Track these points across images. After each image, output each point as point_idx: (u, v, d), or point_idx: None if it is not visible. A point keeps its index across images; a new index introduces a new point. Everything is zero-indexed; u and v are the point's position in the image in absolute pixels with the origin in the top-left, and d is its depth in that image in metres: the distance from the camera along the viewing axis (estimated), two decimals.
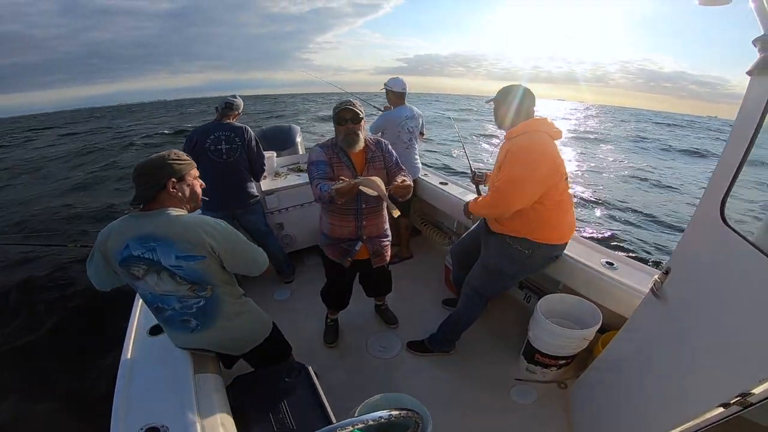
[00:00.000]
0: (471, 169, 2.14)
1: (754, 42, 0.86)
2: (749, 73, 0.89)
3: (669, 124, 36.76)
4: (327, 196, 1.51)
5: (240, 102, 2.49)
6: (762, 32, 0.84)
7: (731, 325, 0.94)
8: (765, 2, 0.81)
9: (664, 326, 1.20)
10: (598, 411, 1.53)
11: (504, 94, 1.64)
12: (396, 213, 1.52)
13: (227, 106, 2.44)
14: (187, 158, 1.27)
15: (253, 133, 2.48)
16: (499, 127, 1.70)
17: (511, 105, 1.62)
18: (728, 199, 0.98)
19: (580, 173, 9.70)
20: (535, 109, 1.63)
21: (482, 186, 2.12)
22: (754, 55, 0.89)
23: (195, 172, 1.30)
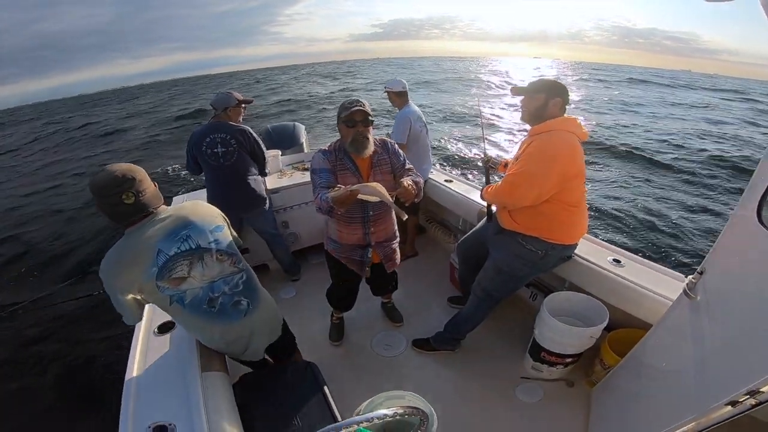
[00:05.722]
0: (485, 154, 2.06)
1: None
2: None
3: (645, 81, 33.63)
4: (326, 206, 1.44)
5: (222, 98, 2.26)
6: None
7: (756, 325, 0.93)
8: None
9: (693, 327, 1.18)
10: (620, 413, 1.51)
11: (535, 89, 1.56)
12: (404, 217, 1.46)
13: (212, 106, 2.28)
14: None
15: (254, 137, 2.33)
16: (525, 121, 1.62)
17: (541, 101, 1.54)
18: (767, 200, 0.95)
19: None
20: (567, 107, 1.55)
21: (492, 174, 2.04)
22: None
23: None
